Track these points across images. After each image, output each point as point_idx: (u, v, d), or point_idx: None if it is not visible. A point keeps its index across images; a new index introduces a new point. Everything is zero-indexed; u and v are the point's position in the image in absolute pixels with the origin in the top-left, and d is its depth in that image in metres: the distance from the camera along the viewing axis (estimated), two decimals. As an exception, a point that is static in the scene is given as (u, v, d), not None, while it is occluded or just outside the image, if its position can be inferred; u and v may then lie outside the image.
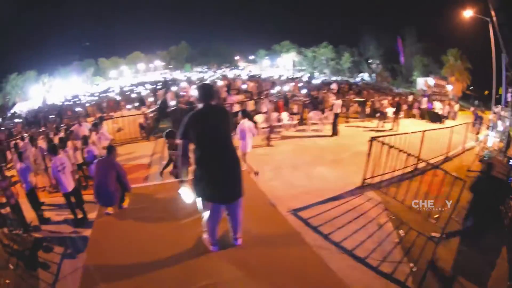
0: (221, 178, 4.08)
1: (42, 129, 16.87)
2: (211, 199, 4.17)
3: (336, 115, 13.98)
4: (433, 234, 6.20)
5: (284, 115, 15.17)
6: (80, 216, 8.05)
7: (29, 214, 8.51)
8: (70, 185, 7.90)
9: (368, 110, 19.35)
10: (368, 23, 37.17)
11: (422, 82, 31.65)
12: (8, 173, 12.16)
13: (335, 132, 13.94)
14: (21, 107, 37.21)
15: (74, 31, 43.63)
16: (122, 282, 4.24)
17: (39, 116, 28.54)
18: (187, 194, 4.15)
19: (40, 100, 39.57)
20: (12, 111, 34.79)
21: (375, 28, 37.07)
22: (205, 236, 4.68)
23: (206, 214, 4.33)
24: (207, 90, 4.36)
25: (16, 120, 31.32)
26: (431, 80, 30.74)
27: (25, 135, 13.45)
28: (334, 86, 24.78)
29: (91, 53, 46.78)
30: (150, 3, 45.77)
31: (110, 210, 6.17)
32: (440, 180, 6.95)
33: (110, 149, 6.72)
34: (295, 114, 16.65)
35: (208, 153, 4.07)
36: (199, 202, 4.27)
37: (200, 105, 4.31)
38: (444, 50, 32.37)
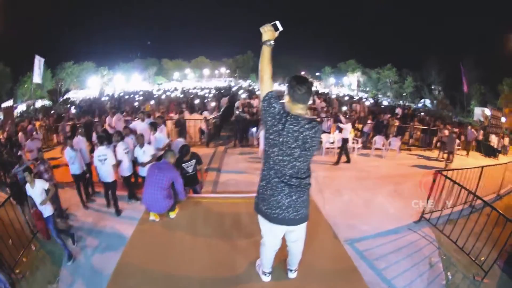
0: (285, 199, 3.37)
1: (96, 119, 17.05)
2: (270, 219, 3.52)
3: (345, 141, 12.95)
4: (476, 278, 6.22)
5: (350, 137, 14.56)
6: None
7: (66, 201, 9.06)
8: (108, 176, 8.48)
9: (432, 138, 18.25)
10: (430, 48, 36.22)
11: (479, 113, 29.70)
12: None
13: (346, 160, 13.08)
14: (75, 95, 38.50)
15: (137, 29, 45.23)
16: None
17: (94, 106, 28.57)
18: None
19: (96, 91, 40.85)
20: (65, 97, 35.75)
21: (436, 53, 35.99)
22: (258, 263, 4.21)
23: (264, 239, 3.80)
24: (306, 88, 3.19)
25: (69, 106, 32.12)
26: (487, 111, 28.62)
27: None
28: (398, 111, 24.12)
29: (154, 53, 48.54)
30: (217, 12, 46.50)
31: (156, 217, 5.66)
32: (492, 220, 6.72)
33: (167, 153, 6.26)
34: (359, 136, 16.28)
35: (277, 170, 3.33)
36: (260, 223, 3.70)
37: (285, 103, 3.32)
38: (500, 79, 30.62)
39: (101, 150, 8.36)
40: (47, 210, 6.67)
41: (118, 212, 8.68)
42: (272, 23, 3.27)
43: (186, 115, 16.54)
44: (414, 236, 7.41)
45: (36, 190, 6.55)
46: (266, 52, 3.23)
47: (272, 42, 3.23)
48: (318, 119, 16.35)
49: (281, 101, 3.26)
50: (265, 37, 3.23)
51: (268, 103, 3.21)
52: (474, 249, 6.61)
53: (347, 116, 15.52)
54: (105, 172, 8.41)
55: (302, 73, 48.77)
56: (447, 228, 7.42)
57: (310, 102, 3.38)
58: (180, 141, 10.14)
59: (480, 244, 6.55)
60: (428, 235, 7.49)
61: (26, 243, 7.29)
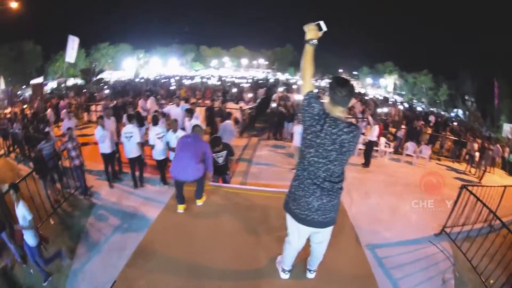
0: (315, 202, 3.33)
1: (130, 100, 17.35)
2: (298, 219, 3.49)
3: (370, 143, 12.74)
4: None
5: (382, 141, 14.58)
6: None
7: (92, 179, 9.57)
8: (132, 152, 9.11)
9: (461, 150, 17.41)
10: (466, 58, 35.02)
11: (508, 129, 28.11)
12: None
13: (366, 163, 12.85)
14: (109, 75, 38.94)
15: (176, 14, 45.13)
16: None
17: (128, 88, 29.26)
18: None
19: (131, 73, 41.32)
20: (98, 77, 36.07)
21: (471, 64, 34.72)
22: (279, 259, 4.18)
23: (290, 237, 3.77)
24: (347, 91, 3.12)
25: (101, 85, 32.62)
26: (515, 128, 27.30)
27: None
28: (432, 119, 23.55)
29: (193, 39, 48.29)
30: (258, 2, 45.99)
31: (181, 208, 5.59)
32: (508, 242, 6.69)
33: (195, 127, 6.21)
34: (392, 141, 15.87)
35: (310, 172, 3.29)
36: (287, 221, 3.68)
37: (325, 103, 3.22)
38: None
39: (129, 128, 9.03)
40: (29, 239, 6.02)
41: (142, 181, 9.46)
42: (316, 23, 3.23)
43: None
44: (433, 249, 7.38)
45: (18, 211, 6.00)
46: (309, 51, 3.21)
47: (315, 41, 3.20)
48: (354, 120, 16.41)
49: (321, 100, 3.21)
50: (308, 35, 3.20)
51: (308, 103, 3.17)
52: (486, 269, 6.53)
53: (377, 118, 15.23)
54: (131, 148, 9.07)
55: (340, 70, 47.97)
56: (464, 245, 7.34)
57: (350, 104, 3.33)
58: (229, 123, 10.51)
59: (493, 266, 6.49)
60: (446, 249, 7.45)
61: (45, 217, 7.54)
